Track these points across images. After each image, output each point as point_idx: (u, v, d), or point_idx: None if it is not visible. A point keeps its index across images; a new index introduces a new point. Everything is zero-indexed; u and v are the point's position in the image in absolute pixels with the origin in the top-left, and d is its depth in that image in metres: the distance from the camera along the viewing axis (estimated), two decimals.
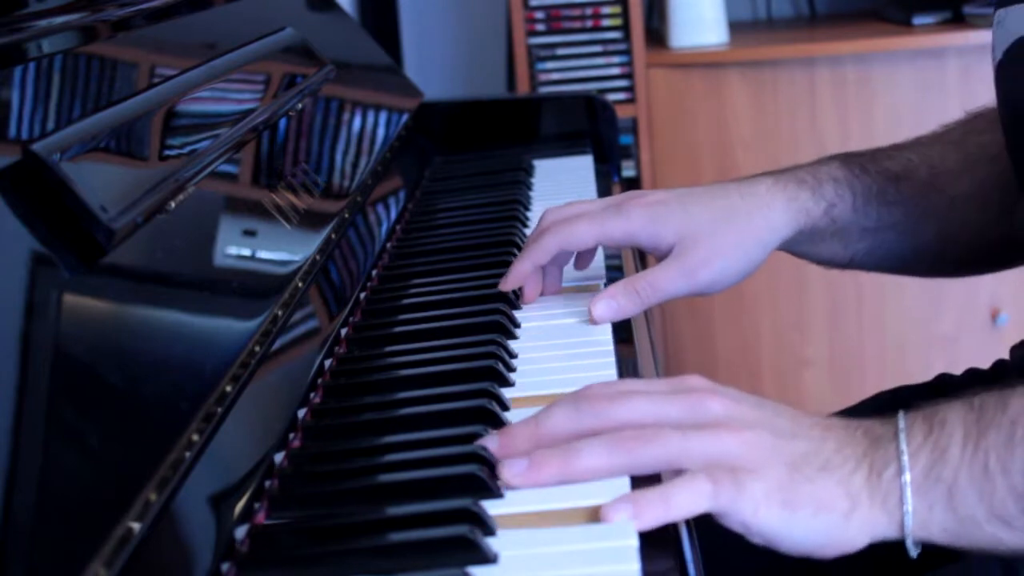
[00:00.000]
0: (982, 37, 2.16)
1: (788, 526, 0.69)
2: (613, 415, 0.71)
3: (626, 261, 1.08)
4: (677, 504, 0.66)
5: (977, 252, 1.05)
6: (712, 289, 0.95)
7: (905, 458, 0.70)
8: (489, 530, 0.65)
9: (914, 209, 1.02)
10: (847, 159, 1.02)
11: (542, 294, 0.99)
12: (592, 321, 0.92)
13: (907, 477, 0.69)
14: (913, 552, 0.71)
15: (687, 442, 0.69)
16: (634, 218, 0.94)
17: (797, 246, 1.01)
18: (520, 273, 0.96)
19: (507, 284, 0.96)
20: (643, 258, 1.14)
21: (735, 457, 0.69)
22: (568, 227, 0.95)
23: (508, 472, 0.69)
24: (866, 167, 1.01)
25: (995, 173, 1.02)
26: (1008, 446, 0.69)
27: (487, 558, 0.62)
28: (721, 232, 0.95)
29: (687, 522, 0.68)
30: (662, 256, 0.95)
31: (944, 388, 1.03)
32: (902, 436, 0.70)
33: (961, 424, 0.70)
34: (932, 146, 1.04)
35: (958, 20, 2.26)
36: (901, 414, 0.72)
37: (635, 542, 0.63)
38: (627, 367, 0.86)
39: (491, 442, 0.72)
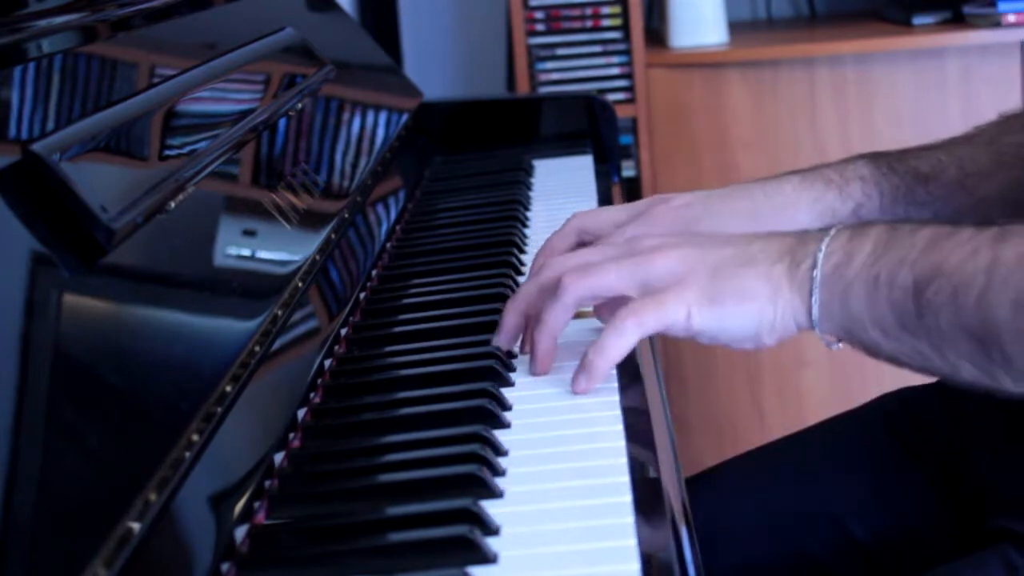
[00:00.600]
0: (982, 37, 2.16)
1: (720, 319, 0.79)
2: (557, 266, 0.85)
3: None
4: (611, 350, 0.79)
5: None
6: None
7: (820, 255, 0.79)
8: (489, 530, 0.65)
9: (942, 209, 1.01)
10: (875, 158, 1.01)
11: None
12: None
13: (817, 272, 0.79)
14: (830, 346, 0.81)
15: (620, 268, 0.81)
16: (661, 225, 0.94)
17: None
18: (549, 355, 0.87)
19: (541, 370, 0.86)
20: None
21: (665, 275, 0.80)
22: (591, 279, 0.85)
23: (537, 369, 0.84)
24: (894, 166, 1.00)
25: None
26: (899, 264, 0.77)
27: (487, 558, 0.62)
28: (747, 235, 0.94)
29: (687, 522, 0.69)
30: None
31: (946, 390, 1.03)
32: (827, 239, 0.79)
33: (874, 238, 0.79)
34: (962, 147, 1.03)
35: (958, 20, 2.25)
36: (837, 225, 0.82)
37: (634, 542, 0.63)
38: (627, 363, 0.86)
39: (497, 337, 0.87)
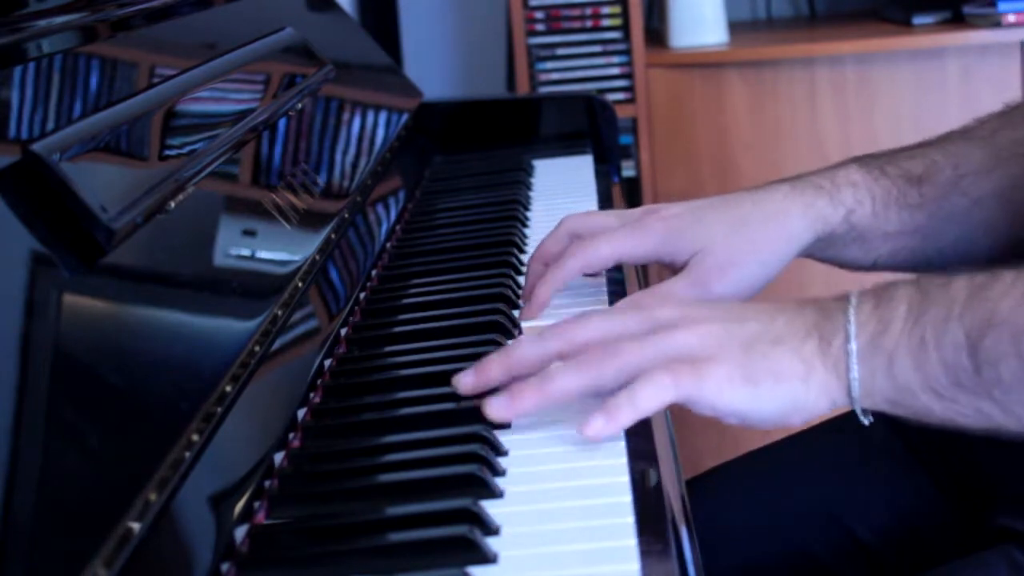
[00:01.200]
0: (982, 37, 2.16)
1: (754, 400, 0.74)
2: (573, 335, 0.78)
3: (627, 268, 1.07)
4: (643, 400, 0.73)
5: (1003, 252, 1.04)
6: (727, 299, 0.95)
7: (852, 327, 0.75)
8: (489, 530, 0.65)
9: (936, 211, 1.00)
10: (866, 162, 1.01)
11: None
12: None
13: (853, 345, 0.75)
14: (863, 420, 0.76)
15: (644, 348, 0.75)
16: (651, 236, 0.94)
17: (818, 252, 1.00)
18: (543, 301, 0.95)
19: (531, 312, 0.95)
20: (644, 267, 1.13)
21: (692, 349, 0.75)
22: (590, 249, 0.94)
23: (491, 408, 0.75)
24: (886, 170, 1.00)
25: None
26: (944, 321, 0.73)
27: (487, 558, 0.62)
28: (735, 242, 0.94)
29: (687, 522, 0.69)
30: (678, 269, 0.95)
31: None
32: (851, 309, 0.76)
33: (906, 299, 0.75)
34: (959, 143, 1.02)
35: (958, 20, 2.25)
36: (854, 291, 0.77)
37: (634, 542, 0.63)
38: None
39: (467, 376, 0.78)
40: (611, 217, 0.98)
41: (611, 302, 0.97)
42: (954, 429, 0.76)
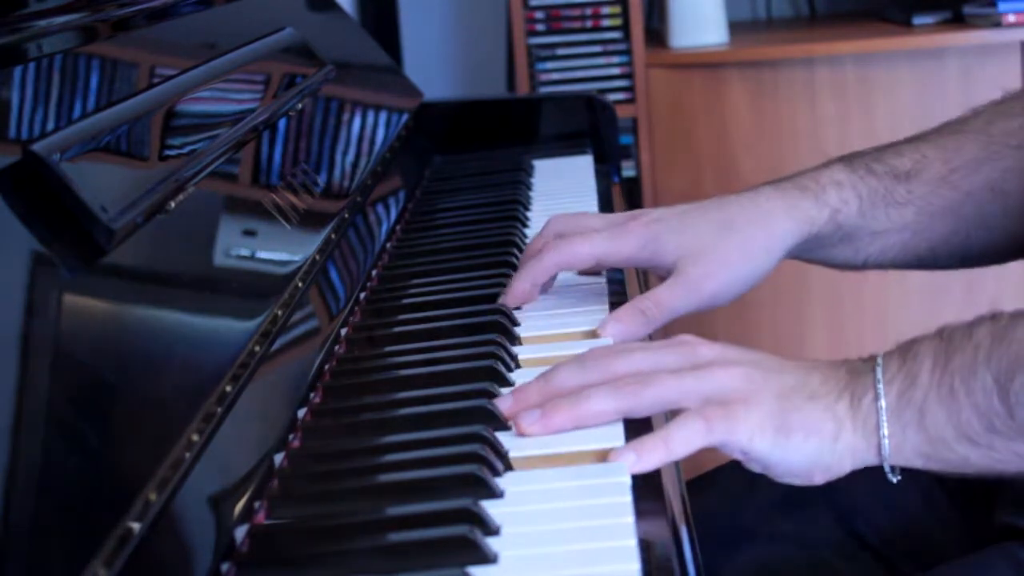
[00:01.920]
0: (982, 37, 2.16)
1: (782, 451, 0.74)
2: (614, 367, 0.77)
3: (627, 269, 1.07)
4: (675, 442, 0.72)
5: (999, 247, 1.04)
6: (718, 301, 0.95)
7: (880, 386, 0.75)
8: (489, 530, 0.65)
9: (926, 207, 1.00)
10: (852, 160, 1.00)
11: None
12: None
13: (883, 403, 0.75)
14: (892, 478, 0.76)
15: (683, 382, 0.75)
16: (631, 240, 0.94)
17: (806, 253, 1.00)
18: (520, 292, 0.96)
19: (508, 301, 0.96)
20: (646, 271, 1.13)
21: (728, 391, 0.75)
22: (568, 247, 0.95)
23: (524, 422, 0.75)
24: (872, 168, 0.99)
25: (1018, 162, 0.99)
26: (972, 368, 0.74)
27: (487, 558, 0.62)
28: (723, 244, 0.94)
29: (687, 522, 0.69)
30: (665, 274, 0.95)
31: None
32: (879, 368, 0.76)
33: (931, 352, 0.75)
34: (950, 136, 1.01)
35: (958, 20, 2.25)
36: (880, 353, 0.77)
37: (634, 542, 0.63)
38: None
39: (504, 401, 0.77)
40: (597, 219, 0.98)
41: (612, 302, 0.97)
42: (994, 477, 0.76)
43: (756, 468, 0.76)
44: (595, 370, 0.77)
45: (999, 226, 1.01)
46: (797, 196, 0.97)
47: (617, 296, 0.98)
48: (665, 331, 0.92)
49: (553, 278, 0.99)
